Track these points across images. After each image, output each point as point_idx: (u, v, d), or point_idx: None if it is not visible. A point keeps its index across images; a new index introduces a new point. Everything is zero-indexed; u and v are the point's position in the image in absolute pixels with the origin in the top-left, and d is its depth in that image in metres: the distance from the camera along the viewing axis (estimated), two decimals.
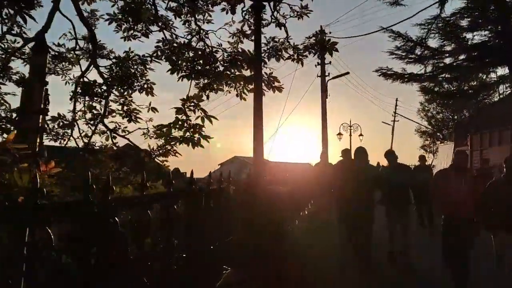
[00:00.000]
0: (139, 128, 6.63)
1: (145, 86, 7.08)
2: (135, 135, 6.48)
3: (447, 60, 28.04)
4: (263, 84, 6.57)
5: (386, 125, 40.69)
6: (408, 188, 6.56)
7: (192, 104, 5.47)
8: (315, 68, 18.39)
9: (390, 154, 6.51)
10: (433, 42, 27.15)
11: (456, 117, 36.26)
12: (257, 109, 5.70)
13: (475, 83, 32.93)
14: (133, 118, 6.78)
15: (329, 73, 18.05)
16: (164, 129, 5.77)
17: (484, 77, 30.77)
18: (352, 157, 6.26)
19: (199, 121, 5.43)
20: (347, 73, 18.00)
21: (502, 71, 38.33)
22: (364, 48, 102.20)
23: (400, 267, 6.01)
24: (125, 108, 6.61)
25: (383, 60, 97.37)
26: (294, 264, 4.97)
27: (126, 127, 6.53)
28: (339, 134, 27.25)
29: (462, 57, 28.32)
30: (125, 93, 6.89)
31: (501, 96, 24.35)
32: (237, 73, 6.94)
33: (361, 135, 28.23)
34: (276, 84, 7.01)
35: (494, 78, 29.18)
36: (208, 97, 6.96)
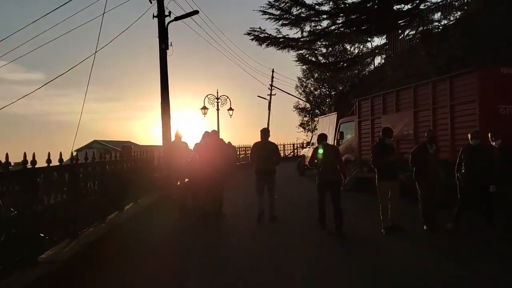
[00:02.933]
0: None
1: None
2: None
3: (325, 23, 24.95)
4: None
5: (264, 99, 36.81)
6: (272, 159, 7.89)
7: None
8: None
9: (264, 133, 7.99)
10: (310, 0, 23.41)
11: (333, 93, 34.32)
12: None
13: (350, 57, 30.94)
14: None
15: (170, 12, 12.08)
16: None
17: (361, 47, 28.52)
18: (210, 138, 8.39)
19: None
20: (196, 12, 12.25)
21: (378, 41, 37.26)
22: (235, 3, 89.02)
23: (267, 217, 7.89)
24: None
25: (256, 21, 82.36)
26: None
27: None
28: (204, 108, 21.81)
29: (340, 20, 25.40)
30: None
31: (378, 65, 21.67)
32: None
33: (231, 109, 23.27)
34: None
35: (370, 48, 27.11)
36: None
